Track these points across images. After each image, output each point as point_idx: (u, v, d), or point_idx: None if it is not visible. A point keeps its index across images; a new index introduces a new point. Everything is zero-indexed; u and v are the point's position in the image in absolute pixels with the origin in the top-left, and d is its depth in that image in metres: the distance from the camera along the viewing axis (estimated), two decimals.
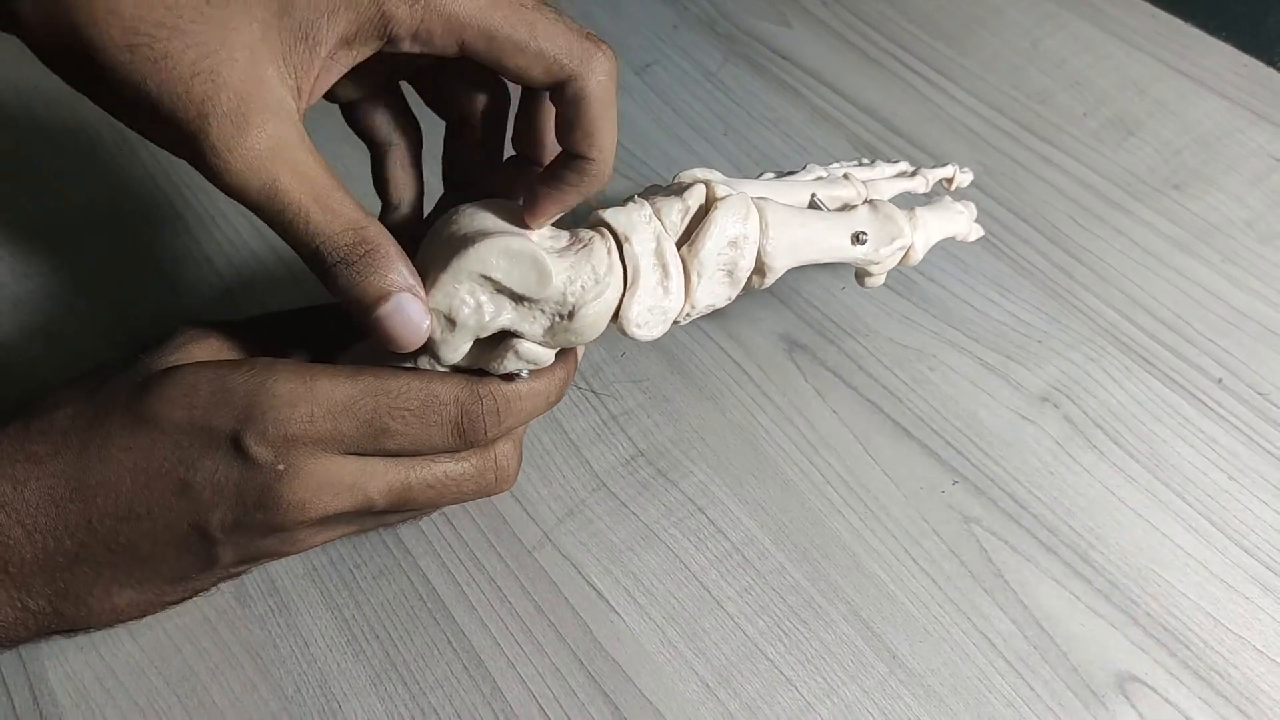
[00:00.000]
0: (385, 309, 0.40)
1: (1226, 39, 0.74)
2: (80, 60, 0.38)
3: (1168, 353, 0.58)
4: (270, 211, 0.40)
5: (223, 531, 0.43)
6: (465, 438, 0.44)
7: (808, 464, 0.54)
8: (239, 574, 0.48)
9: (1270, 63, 0.72)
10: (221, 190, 0.39)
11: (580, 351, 0.47)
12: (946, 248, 0.62)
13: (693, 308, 0.45)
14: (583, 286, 0.42)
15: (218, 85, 0.38)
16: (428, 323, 0.41)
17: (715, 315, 0.60)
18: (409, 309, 0.40)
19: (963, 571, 0.50)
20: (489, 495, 0.47)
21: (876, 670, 0.48)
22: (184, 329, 0.45)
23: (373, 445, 0.43)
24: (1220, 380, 0.56)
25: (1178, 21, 0.75)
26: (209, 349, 0.44)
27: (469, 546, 0.52)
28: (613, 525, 0.52)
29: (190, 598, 0.47)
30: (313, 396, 0.41)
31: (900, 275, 0.61)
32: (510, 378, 0.44)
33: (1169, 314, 0.59)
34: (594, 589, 0.50)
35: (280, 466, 0.41)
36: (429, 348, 0.42)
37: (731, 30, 0.77)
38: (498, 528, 0.52)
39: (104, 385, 0.44)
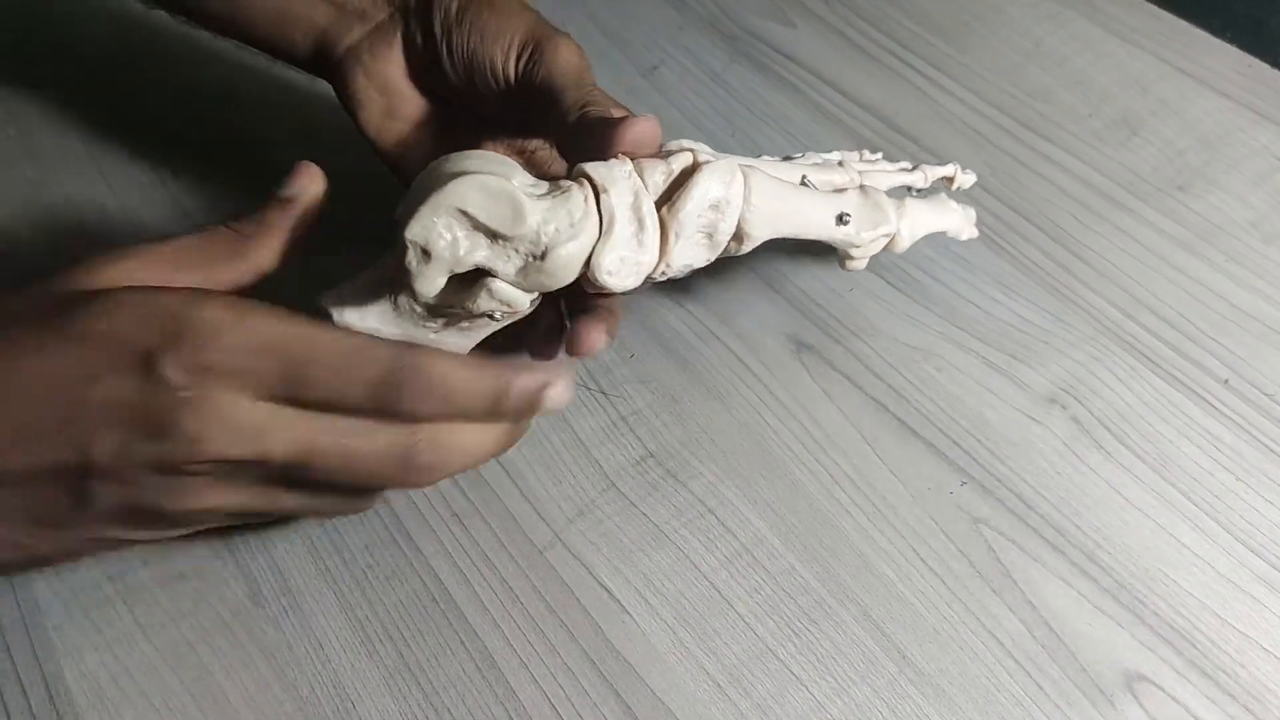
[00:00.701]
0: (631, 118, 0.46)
1: (1229, 39, 0.74)
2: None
3: (1172, 353, 0.58)
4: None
5: (105, 456, 0.40)
6: (382, 402, 0.41)
7: (816, 464, 0.54)
8: (114, 542, 0.45)
9: (1273, 63, 0.72)
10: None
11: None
12: (950, 247, 0.63)
13: (668, 266, 0.46)
14: (557, 229, 0.43)
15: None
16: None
17: (722, 315, 0.60)
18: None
19: (971, 571, 0.51)
20: (395, 486, 0.44)
21: (886, 670, 0.48)
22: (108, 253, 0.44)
23: (287, 392, 0.41)
24: (1226, 380, 0.57)
25: (1180, 21, 0.76)
26: (126, 269, 0.43)
27: (480, 547, 0.52)
28: (623, 525, 0.53)
29: (59, 560, 0.45)
30: (241, 328, 0.40)
31: (904, 275, 0.62)
32: (484, 317, 0.45)
33: (1173, 314, 0.60)
34: (605, 589, 0.51)
35: (187, 393, 0.39)
36: (405, 280, 0.43)
37: (735, 30, 0.77)
38: (509, 528, 0.53)
39: (19, 296, 0.43)
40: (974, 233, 0.58)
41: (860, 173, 0.54)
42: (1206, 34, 0.75)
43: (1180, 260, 0.62)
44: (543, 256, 0.43)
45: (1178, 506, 0.53)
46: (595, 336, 0.49)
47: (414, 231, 0.42)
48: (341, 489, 0.44)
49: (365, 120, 0.55)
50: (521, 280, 0.44)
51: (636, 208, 0.45)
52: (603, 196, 0.45)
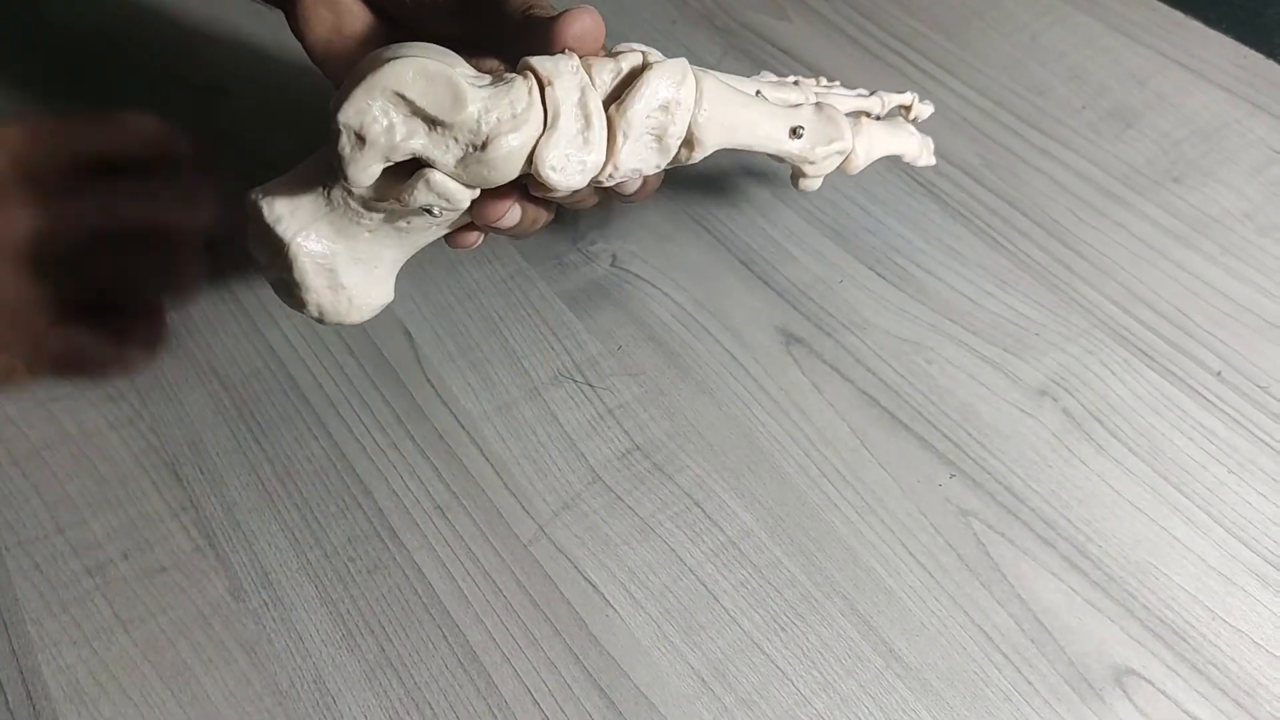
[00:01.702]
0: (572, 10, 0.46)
1: (1225, 31, 0.73)
2: None
3: (1166, 345, 0.57)
4: None
5: None
6: None
7: (804, 458, 0.54)
8: None
9: (1269, 54, 0.72)
10: None
11: None
12: (942, 239, 0.62)
13: (616, 168, 0.45)
14: (498, 118, 0.42)
15: None
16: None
17: (711, 308, 0.60)
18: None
19: (960, 565, 0.50)
20: None
21: (873, 664, 0.48)
22: None
23: None
24: (1219, 373, 0.56)
25: (1176, 13, 0.75)
26: None
27: (464, 540, 0.51)
28: (608, 519, 0.52)
29: None
30: None
31: (896, 267, 0.61)
32: (422, 214, 0.44)
33: (1168, 307, 0.59)
34: (589, 583, 0.50)
35: None
36: (338, 168, 0.42)
37: (730, 24, 0.77)
38: (493, 521, 0.52)
39: None
40: (931, 160, 0.58)
41: (817, 94, 0.53)
42: (1203, 26, 0.74)
43: (1175, 253, 0.62)
44: (483, 147, 0.42)
45: (1169, 500, 0.52)
46: (500, 206, 0.47)
47: (347, 114, 0.40)
48: None
49: (313, 40, 0.54)
50: (461, 172, 0.42)
51: (583, 104, 0.44)
52: (547, 90, 0.43)
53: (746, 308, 0.60)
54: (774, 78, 0.53)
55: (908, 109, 0.58)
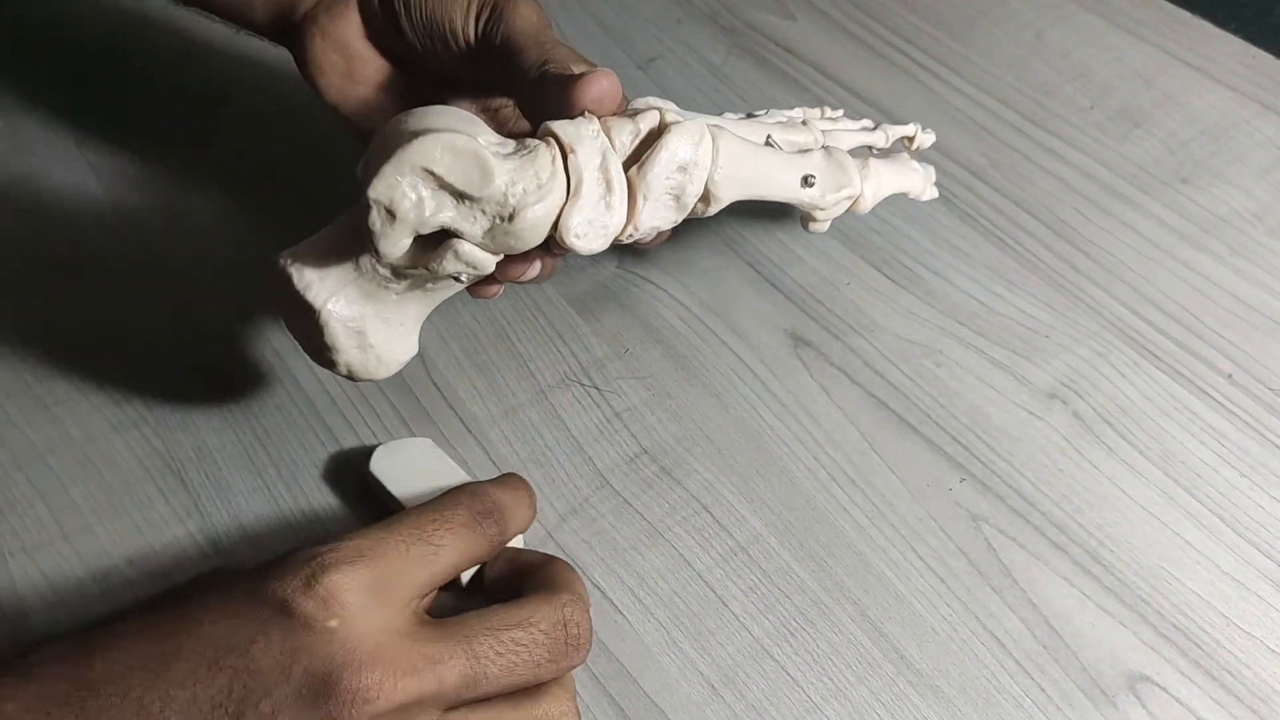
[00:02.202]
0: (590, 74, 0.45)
1: (1233, 30, 0.73)
2: None
3: (1176, 347, 0.57)
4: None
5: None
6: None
7: (813, 461, 0.54)
8: None
9: (1277, 54, 0.71)
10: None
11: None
12: (950, 240, 0.62)
13: (636, 229, 0.46)
14: (524, 190, 0.42)
15: None
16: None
17: (718, 310, 0.59)
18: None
19: (971, 570, 0.50)
20: (564, 662, 0.43)
21: (884, 670, 0.47)
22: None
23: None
24: (1230, 375, 0.56)
25: (1183, 12, 0.75)
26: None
27: None
28: (616, 524, 0.52)
29: None
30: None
31: (904, 269, 0.61)
32: (448, 279, 0.44)
33: (1177, 308, 0.59)
34: (597, 589, 0.50)
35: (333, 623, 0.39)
36: (368, 240, 0.42)
37: (734, 23, 0.76)
38: None
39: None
40: (934, 193, 0.58)
41: (824, 132, 0.53)
42: (1210, 25, 0.74)
43: (1183, 253, 0.61)
44: (510, 219, 0.42)
45: (1181, 503, 0.52)
46: (523, 266, 0.47)
47: (378, 191, 0.41)
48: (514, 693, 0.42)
49: (325, 85, 0.54)
50: (488, 242, 0.43)
51: (604, 169, 0.44)
52: (570, 157, 0.43)
53: (754, 310, 0.60)
54: (782, 115, 0.54)
55: (911, 140, 0.59)
